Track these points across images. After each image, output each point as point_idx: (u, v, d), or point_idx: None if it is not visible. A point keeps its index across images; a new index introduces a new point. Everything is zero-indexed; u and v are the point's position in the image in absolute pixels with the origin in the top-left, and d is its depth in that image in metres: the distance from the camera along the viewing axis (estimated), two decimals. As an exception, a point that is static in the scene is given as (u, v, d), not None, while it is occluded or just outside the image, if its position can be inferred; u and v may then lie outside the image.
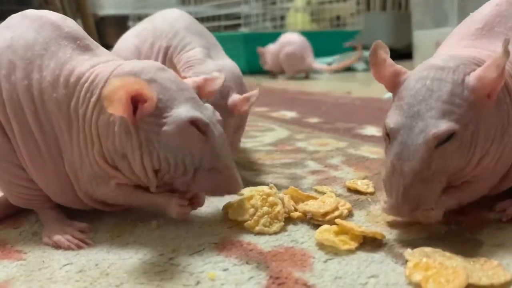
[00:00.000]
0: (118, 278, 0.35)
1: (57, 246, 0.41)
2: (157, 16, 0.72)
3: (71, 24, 0.44)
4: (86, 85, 0.41)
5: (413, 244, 0.38)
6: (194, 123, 0.39)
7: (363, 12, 2.66)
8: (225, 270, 0.36)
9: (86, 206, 0.45)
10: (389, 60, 0.42)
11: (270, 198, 0.44)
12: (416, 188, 0.37)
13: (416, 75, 0.40)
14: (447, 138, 0.36)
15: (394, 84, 0.41)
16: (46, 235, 0.42)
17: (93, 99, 0.40)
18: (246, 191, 0.45)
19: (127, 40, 0.71)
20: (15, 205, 0.45)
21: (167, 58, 0.64)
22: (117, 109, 0.37)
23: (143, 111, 0.39)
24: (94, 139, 0.41)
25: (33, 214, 0.48)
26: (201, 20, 2.49)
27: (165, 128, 0.39)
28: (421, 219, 0.40)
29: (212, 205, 0.48)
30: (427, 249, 0.36)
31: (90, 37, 0.45)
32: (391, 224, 0.43)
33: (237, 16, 2.51)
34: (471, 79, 0.38)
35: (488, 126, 0.39)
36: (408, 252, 0.36)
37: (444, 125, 0.36)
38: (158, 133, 0.39)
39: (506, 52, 0.36)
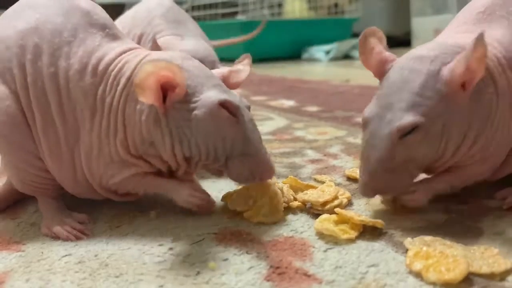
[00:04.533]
0: (118, 269, 0.35)
1: (56, 237, 0.41)
2: (140, 4, 0.73)
3: (100, 12, 0.43)
4: (114, 73, 0.40)
5: (413, 233, 0.38)
6: (224, 105, 0.39)
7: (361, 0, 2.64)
8: (225, 260, 0.36)
9: (99, 196, 0.44)
10: (378, 48, 0.42)
11: (270, 188, 0.44)
12: (381, 176, 0.39)
13: (397, 64, 0.41)
14: (411, 130, 0.37)
15: (380, 72, 0.42)
16: (45, 226, 0.42)
17: (120, 87, 0.40)
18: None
19: None
20: (21, 191, 0.45)
21: (141, 45, 0.64)
22: (149, 97, 0.37)
23: (173, 98, 0.38)
24: (119, 128, 0.40)
25: (31, 204, 0.47)
26: (198, 8, 2.47)
27: (195, 112, 0.38)
28: (405, 203, 0.41)
29: (212, 195, 0.48)
30: (427, 238, 0.36)
31: (117, 26, 0.44)
32: (391, 213, 0.43)
33: (234, 4, 2.49)
34: (445, 71, 0.38)
35: (462, 117, 0.39)
36: (408, 241, 0.36)
37: (408, 118, 0.37)
38: (189, 118, 0.39)
39: (478, 45, 0.36)
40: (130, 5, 0.79)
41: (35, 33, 0.41)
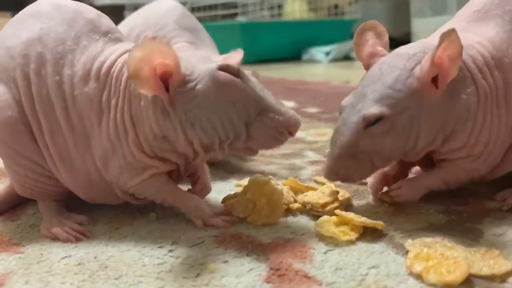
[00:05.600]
0: (117, 271, 0.35)
1: (55, 238, 0.41)
2: (151, 6, 0.72)
3: (104, 19, 0.43)
4: (115, 74, 0.40)
5: (413, 235, 0.38)
6: (224, 69, 0.38)
7: (361, 1, 2.64)
8: (225, 262, 0.36)
9: (114, 200, 0.44)
10: (372, 41, 0.43)
11: (266, 187, 0.43)
12: (343, 162, 0.40)
13: (380, 59, 0.42)
14: (376, 120, 0.38)
15: (367, 65, 0.43)
16: (45, 227, 0.42)
17: (122, 86, 0.40)
18: (242, 183, 0.45)
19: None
20: (21, 195, 0.45)
21: None
22: (148, 87, 0.37)
23: (174, 83, 0.38)
24: (128, 128, 0.39)
25: (31, 206, 0.47)
26: (198, 9, 2.47)
27: (198, 87, 0.38)
28: (392, 199, 0.43)
29: (212, 198, 0.48)
30: (428, 240, 0.36)
31: (120, 31, 0.44)
32: (391, 215, 0.43)
33: (234, 5, 2.49)
34: (418, 67, 0.39)
35: (434, 114, 0.39)
36: (408, 243, 0.36)
37: (374, 109, 0.38)
38: (194, 96, 0.38)
39: (448, 43, 0.36)
40: (130, 7, 0.79)
41: (39, 42, 0.40)
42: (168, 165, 0.41)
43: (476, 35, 0.42)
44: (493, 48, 0.41)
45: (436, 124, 0.40)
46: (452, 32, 0.36)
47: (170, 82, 0.38)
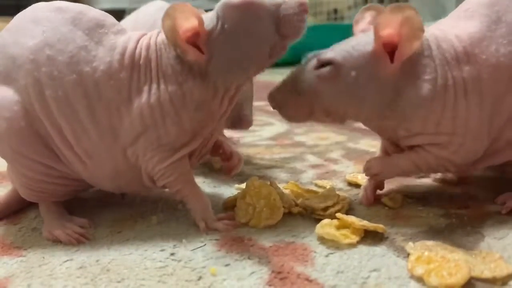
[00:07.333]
0: (119, 274, 0.35)
1: (57, 240, 0.41)
2: (140, 9, 0.72)
3: (107, 17, 0.43)
4: (142, 61, 0.41)
5: (414, 238, 0.38)
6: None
7: (360, 5, 2.65)
8: (226, 265, 0.36)
9: (138, 188, 0.45)
10: (370, 20, 0.44)
11: (263, 190, 0.44)
12: (286, 91, 0.42)
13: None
14: (326, 64, 0.40)
15: None
16: (47, 230, 0.42)
17: (153, 71, 0.41)
18: (240, 187, 0.45)
19: None
20: (27, 199, 0.45)
21: None
22: (188, 49, 0.39)
23: (203, 40, 0.39)
24: (167, 109, 0.40)
25: (32, 210, 0.47)
26: (198, 14, 2.48)
27: (224, 27, 0.39)
28: (364, 173, 0.45)
29: (212, 201, 0.48)
30: (429, 243, 0.36)
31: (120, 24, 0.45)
32: (392, 218, 0.43)
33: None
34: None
35: (383, 87, 0.40)
36: (409, 246, 0.36)
37: (328, 54, 0.41)
38: (226, 36, 0.39)
39: (400, 18, 0.38)
40: (131, 11, 0.79)
41: (45, 46, 0.40)
42: (196, 143, 0.42)
43: (458, 29, 0.42)
44: (469, 43, 0.41)
45: (384, 97, 0.40)
46: (406, 8, 0.38)
47: (199, 42, 0.39)
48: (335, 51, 0.41)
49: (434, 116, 0.40)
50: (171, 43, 0.39)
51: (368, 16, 0.45)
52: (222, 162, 0.49)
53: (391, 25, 0.39)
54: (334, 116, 0.42)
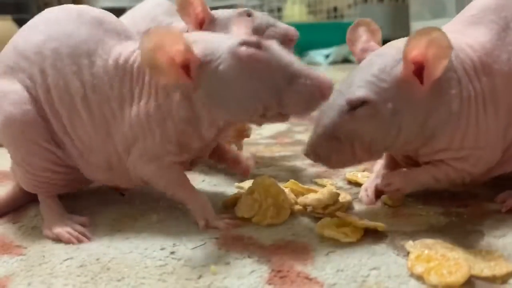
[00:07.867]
0: (119, 273, 0.35)
1: (57, 238, 0.41)
2: (137, 6, 0.72)
3: (108, 15, 0.45)
4: (136, 64, 0.41)
5: (414, 236, 0.38)
6: (245, 43, 0.37)
7: (360, 4, 2.65)
8: (226, 264, 0.36)
9: (128, 183, 0.45)
10: (366, 37, 0.44)
11: (272, 189, 0.44)
12: (325, 142, 0.40)
13: (373, 52, 0.43)
14: (360, 104, 0.39)
15: (360, 59, 0.44)
16: (47, 228, 0.42)
17: (147, 77, 0.41)
18: (247, 185, 0.45)
19: None
20: (27, 189, 0.45)
21: None
22: (168, 76, 0.38)
23: (194, 67, 0.38)
24: (154, 116, 0.40)
25: (32, 208, 0.47)
26: (198, 12, 2.48)
27: (221, 67, 0.38)
28: (383, 188, 0.43)
29: (213, 200, 0.48)
30: (429, 241, 0.36)
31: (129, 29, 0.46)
32: (392, 216, 0.43)
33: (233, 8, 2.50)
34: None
35: (417, 110, 0.39)
36: (409, 244, 0.36)
37: (359, 93, 0.39)
38: (219, 76, 0.38)
39: (426, 40, 0.37)
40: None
41: (51, 40, 0.42)
42: (185, 155, 0.42)
43: (469, 38, 0.42)
44: (484, 53, 0.41)
45: (417, 120, 0.40)
46: (433, 31, 0.36)
47: (191, 67, 0.38)
48: (363, 87, 0.39)
49: (459, 131, 0.40)
50: (148, 64, 0.37)
51: (362, 34, 0.44)
52: (231, 169, 0.49)
53: (417, 47, 0.37)
54: (374, 152, 0.41)
